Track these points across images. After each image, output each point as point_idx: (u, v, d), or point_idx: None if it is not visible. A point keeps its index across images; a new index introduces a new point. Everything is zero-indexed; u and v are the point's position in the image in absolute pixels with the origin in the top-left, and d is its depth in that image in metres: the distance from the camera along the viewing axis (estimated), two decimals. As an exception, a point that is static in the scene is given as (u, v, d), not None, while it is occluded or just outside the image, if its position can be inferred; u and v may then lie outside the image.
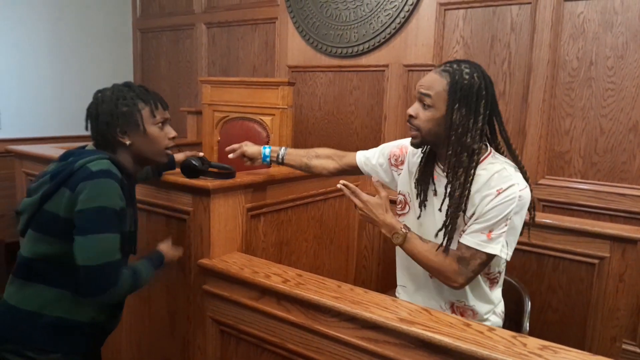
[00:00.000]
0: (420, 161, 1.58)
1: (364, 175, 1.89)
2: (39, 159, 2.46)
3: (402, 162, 1.70)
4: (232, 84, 3.27)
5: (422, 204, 1.56)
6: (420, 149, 1.58)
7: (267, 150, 1.94)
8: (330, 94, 3.62)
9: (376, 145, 3.34)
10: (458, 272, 1.40)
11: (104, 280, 1.26)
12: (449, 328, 1.26)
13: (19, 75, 4.06)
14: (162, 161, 1.53)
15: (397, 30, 3.23)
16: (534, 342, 1.20)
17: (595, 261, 1.98)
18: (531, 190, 1.43)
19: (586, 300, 2.04)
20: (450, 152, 1.41)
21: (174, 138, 1.52)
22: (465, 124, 1.38)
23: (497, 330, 1.27)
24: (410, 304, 1.42)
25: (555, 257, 2.09)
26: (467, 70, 1.39)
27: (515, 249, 2.12)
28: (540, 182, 2.74)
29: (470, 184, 1.39)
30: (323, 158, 2.00)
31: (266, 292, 1.57)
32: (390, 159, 1.75)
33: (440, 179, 1.51)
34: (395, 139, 3.26)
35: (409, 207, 1.63)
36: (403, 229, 1.48)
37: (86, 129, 1.45)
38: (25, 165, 2.60)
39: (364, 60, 3.43)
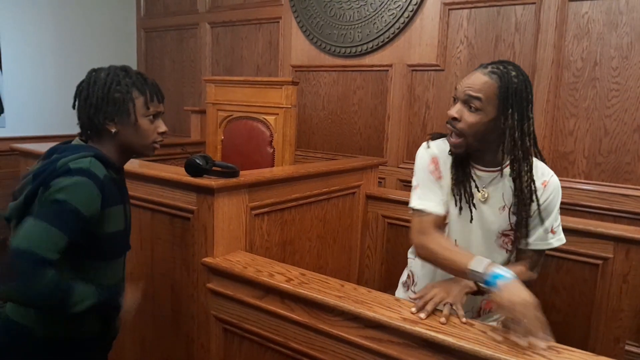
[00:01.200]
0: (452, 168, 1.48)
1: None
2: (43, 158, 2.47)
3: (441, 172, 1.50)
4: (236, 83, 3.27)
5: (462, 210, 1.47)
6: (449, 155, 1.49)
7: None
8: (333, 93, 3.62)
9: (379, 145, 3.38)
10: (535, 272, 1.52)
11: (17, 267, 1.12)
12: (452, 328, 1.26)
13: (24, 74, 4.07)
14: (148, 155, 1.43)
15: (401, 30, 3.23)
16: (537, 343, 1.20)
17: (599, 262, 1.98)
18: None
19: (589, 301, 2.03)
20: (513, 157, 1.38)
21: (163, 133, 1.41)
22: (520, 128, 1.36)
23: (501, 330, 1.26)
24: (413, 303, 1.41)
25: (559, 258, 2.08)
26: (514, 73, 1.35)
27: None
28: (543, 182, 2.74)
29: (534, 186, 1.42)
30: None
31: (270, 291, 1.58)
32: (434, 179, 1.50)
33: (478, 180, 1.46)
34: (399, 139, 3.30)
35: (449, 215, 1.52)
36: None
37: (73, 107, 1.35)
38: (29, 164, 2.60)
39: (367, 60, 3.43)
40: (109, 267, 1.39)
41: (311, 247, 2.30)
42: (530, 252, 1.49)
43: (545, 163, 1.49)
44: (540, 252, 1.50)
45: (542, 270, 2.10)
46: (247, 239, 1.90)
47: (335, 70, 3.60)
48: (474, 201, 1.46)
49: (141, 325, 2.07)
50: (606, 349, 1.97)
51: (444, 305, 1.32)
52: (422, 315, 1.30)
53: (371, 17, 3.34)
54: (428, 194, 1.47)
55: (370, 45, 3.37)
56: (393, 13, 3.23)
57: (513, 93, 1.33)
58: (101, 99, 1.29)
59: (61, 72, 4.28)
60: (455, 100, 1.41)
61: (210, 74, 4.29)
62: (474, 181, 1.46)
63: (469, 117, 1.36)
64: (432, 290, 1.37)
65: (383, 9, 3.28)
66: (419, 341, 1.27)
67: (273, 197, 2.00)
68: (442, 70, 3.11)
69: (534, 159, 1.44)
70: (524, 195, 1.40)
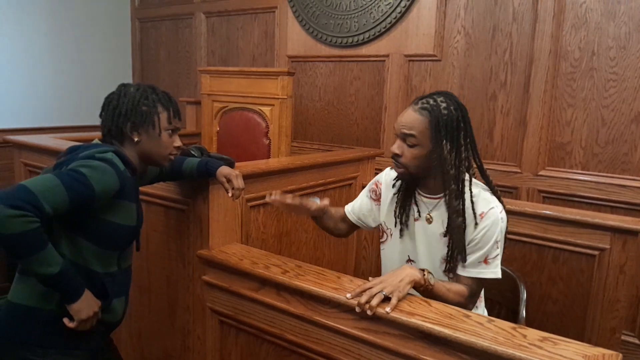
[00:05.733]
0: (398, 192, 1.60)
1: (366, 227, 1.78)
2: (37, 149, 2.45)
3: (380, 196, 1.70)
4: (232, 74, 3.24)
5: (402, 230, 1.59)
6: (394, 182, 1.62)
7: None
8: (330, 84, 3.60)
9: (376, 136, 3.38)
10: (470, 302, 1.47)
11: (13, 195, 1.14)
12: (449, 319, 1.26)
13: (18, 65, 4.03)
14: (163, 165, 1.54)
15: (398, 20, 3.21)
16: (533, 334, 1.20)
17: (596, 252, 1.98)
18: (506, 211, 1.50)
19: (586, 292, 2.03)
20: (448, 184, 1.44)
21: (179, 148, 1.53)
22: (451, 157, 1.43)
23: (497, 321, 1.26)
24: (411, 295, 1.41)
25: (556, 249, 2.08)
26: (444, 105, 1.42)
27: (516, 240, 2.14)
28: (540, 173, 2.73)
29: (464, 209, 1.45)
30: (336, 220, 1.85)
31: (266, 283, 1.57)
32: (370, 196, 1.74)
33: (422, 205, 1.54)
34: (396, 129, 3.28)
35: (387, 235, 1.66)
36: (425, 272, 1.39)
37: (100, 115, 1.45)
38: (23, 156, 2.59)
39: (364, 50, 3.40)
40: (105, 255, 1.40)
41: (308, 239, 2.29)
42: (465, 279, 1.46)
43: (495, 192, 1.50)
44: (476, 282, 1.46)
45: (539, 261, 2.12)
46: (243, 231, 1.89)
47: (331, 61, 3.57)
48: (420, 222, 1.54)
49: (137, 318, 2.07)
50: (602, 339, 1.98)
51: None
52: (357, 307, 1.32)
53: (368, 7, 3.31)
54: (357, 200, 1.77)
55: (366, 35, 3.35)
56: (390, 2, 3.20)
57: (444, 125, 1.41)
58: (130, 110, 1.42)
59: (56, 64, 4.24)
60: (396, 136, 1.49)
61: (205, 65, 4.25)
62: (418, 206, 1.55)
63: (408, 152, 1.45)
64: (374, 281, 1.37)
65: (380, -1, 3.25)
66: (415, 333, 1.27)
67: (269, 189, 1.98)
68: (439, 60, 3.09)
69: (479, 189, 1.48)
70: (451, 222, 1.45)
